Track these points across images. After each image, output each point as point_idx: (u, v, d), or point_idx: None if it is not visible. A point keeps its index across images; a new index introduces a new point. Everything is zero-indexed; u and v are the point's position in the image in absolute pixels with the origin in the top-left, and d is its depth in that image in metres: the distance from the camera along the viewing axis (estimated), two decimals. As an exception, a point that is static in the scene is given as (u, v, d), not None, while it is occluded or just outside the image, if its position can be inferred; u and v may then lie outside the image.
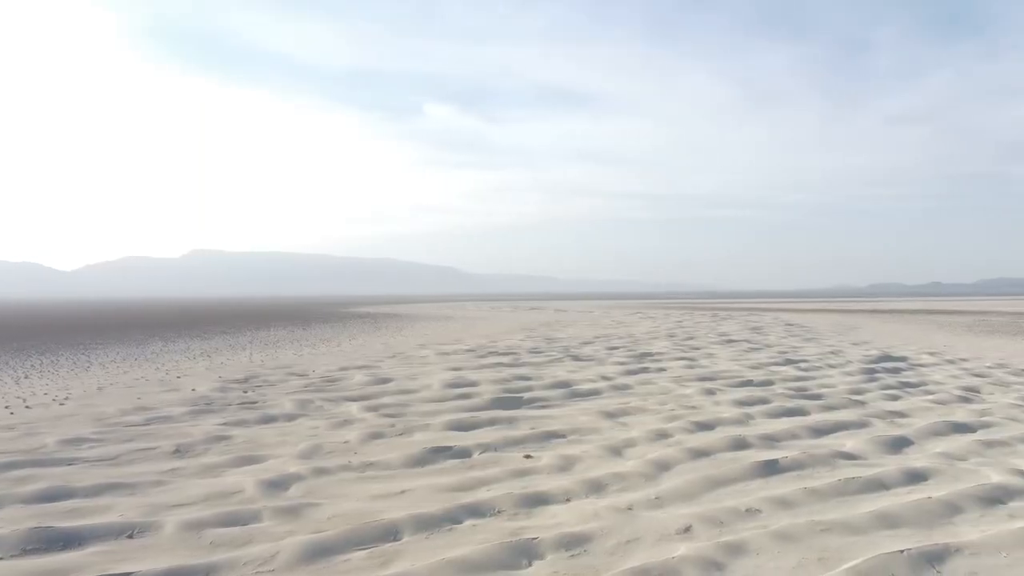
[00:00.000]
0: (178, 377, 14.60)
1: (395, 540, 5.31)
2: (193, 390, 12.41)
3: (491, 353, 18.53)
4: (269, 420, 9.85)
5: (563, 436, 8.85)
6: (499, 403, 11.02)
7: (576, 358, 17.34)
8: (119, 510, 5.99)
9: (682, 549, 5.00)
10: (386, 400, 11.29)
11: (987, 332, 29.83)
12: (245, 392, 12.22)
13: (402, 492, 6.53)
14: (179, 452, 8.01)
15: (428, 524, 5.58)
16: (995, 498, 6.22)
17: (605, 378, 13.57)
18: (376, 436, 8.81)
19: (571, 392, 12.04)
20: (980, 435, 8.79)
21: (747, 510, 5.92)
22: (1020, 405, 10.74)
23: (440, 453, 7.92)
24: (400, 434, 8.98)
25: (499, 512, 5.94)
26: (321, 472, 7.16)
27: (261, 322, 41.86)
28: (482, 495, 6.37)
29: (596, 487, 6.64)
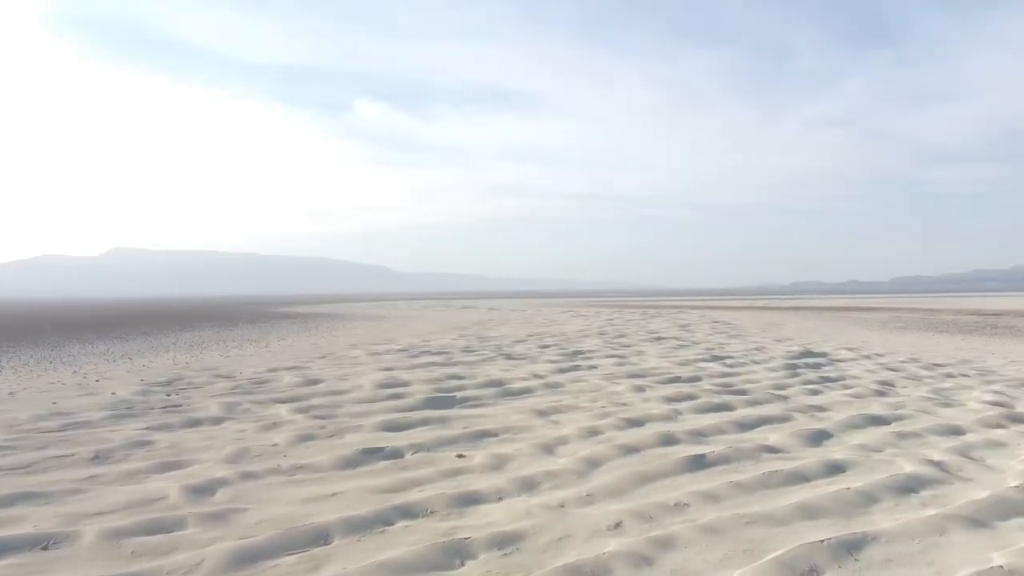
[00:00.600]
0: (97, 380, 14.05)
1: (325, 543, 5.23)
2: (113, 394, 11.97)
3: (423, 352, 18.43)
4: (194, 424, 9.58)
5: (496, 435, 8.87)
6: (431, 403, 10.97)
7: (509, 357, 17.40)
8: (33, 520, 5.73)
9: (613, 545, 5.07)
10: (316, 401, 11.11)
11: (901, 328, 31.15)
12: (168, 395, 11.85)
13: (333, 495, 6.44)
14: (98, 458, 7.71)
15: (359, 526, 5.51)
16: (908, 487, 6.50)
17: (537, 376, 13.65)
18: (306, 438, 8.66)
19: (504, 391, 12.08)
20: (894, 427, 9.17)
21: (676, 504, 6.04)
22: (931, 398, 11.25)
23: (372, 454, 7.84)
24: (331, 436, 8.85)
25: (431, 512, 5.91)
26: (248, 476, 6.99)
27: (185, 323, 40.65)
28: (414, 496, 6.33)
29: (528, 485, 6.67)
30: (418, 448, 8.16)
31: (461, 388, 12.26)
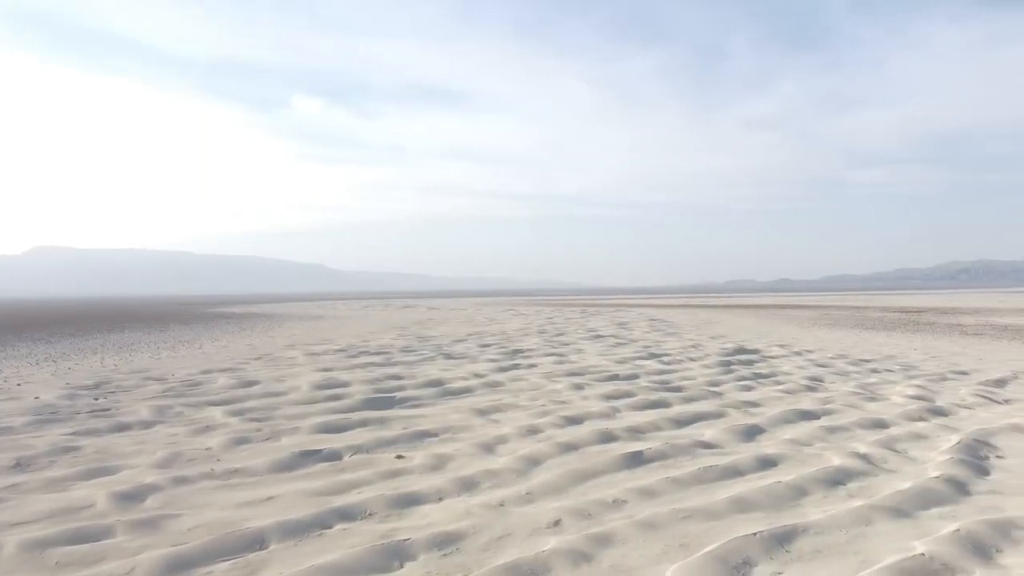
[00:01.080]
0: (19, 384, 13.49)
1: (261, 549, 5.13)
2: (36, 398, 11.51)
3: (362, 353, 18.24)
4: (123, 428, 9.29)
5: (435, 435, 8.84)
6: (371, 403, 10.87)
7: (449, 356, 17.36)
8: (-51, 532, 5.48)
9: (552, 543, 5.11)
10: (252, 404, 10.89)
11: (829, 325, 32.15)
12: (96, 399, 11.45)
13: (269, 499, 6.32)
14: (20, 466, 7.41)
15: (296, 530, 5.43)
16: (836, 480, 6.72)
17: (477, 376, 13.66)
18: (241, 441, 8.48)
19: (444, 390, 12.04)
20: (823, 422, 9.46)
21: (614, 501, 6.12)
22: (858, 393, 11.64)
23: (309, 457, 7.73)
24: (267, 439, 8.69)
25: (370, 514, 5.86)
26: (181, 481, 6.81)
27: (114, 324, 39.35)
28: (353, 498, 6.27)
29: (468, 485, 6.67)
30: (357, 449, 8.07)
31: (401, 388, 12.18)
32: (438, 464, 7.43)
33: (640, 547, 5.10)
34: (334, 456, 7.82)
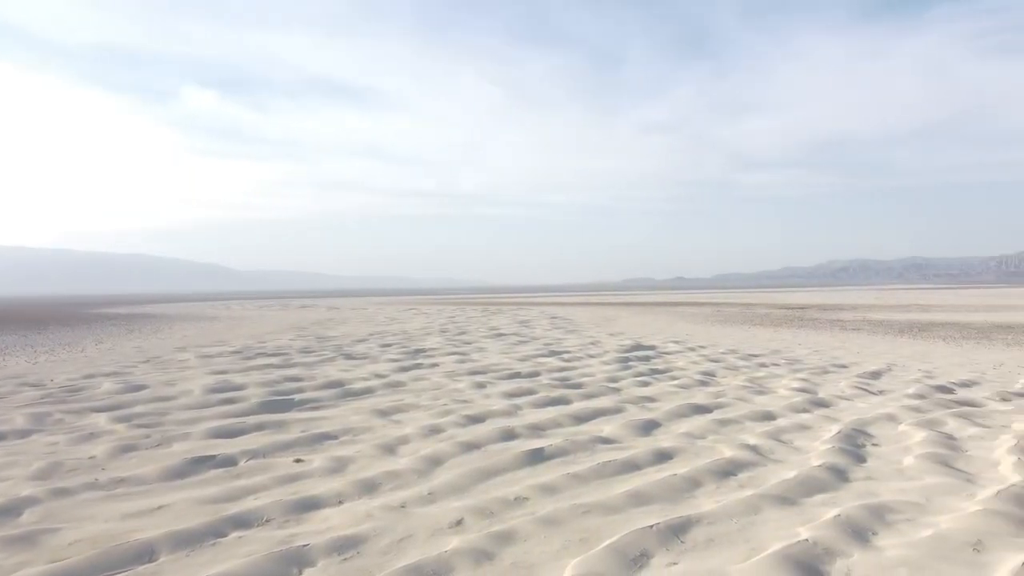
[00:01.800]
0: None
1: (150, 561, 4.91)
2: None
3: (259, 354, 17.72)
4: (-4, 438, 8.70)
5: (335, 437, 8.68)
6: (268, 406, 10.57)
7: (349, 357, 17.08)
8: None
9: (454, 542, 5.11)
10: (140, 409, 10.39)
11: (721, 322, 33.42)
12: (-35, 408, 10.68)
13: (159, 508, 6.06)
14: None
15: (188, 540, 5.22)
16: (728, 471, 7.00)
17: (379, 376, 13.50)
18: (128, 449, 8.09)
19: (344, 392, 11.84)
20: (716, 415, 9.83)
21: (515, 498, 6.17)
22: (747, 386, 12.15)
23: (202, 463, 7.45)
24: (156, 445, 8.32)
25: (267, 521, 5.71)
26: (61, 493, 6.44)
27: (-15, 326, 36.78)
28: (249, 504, 6.08)
29: (369, 487, 6.59)
30: (253, 454, 7.84)
31: (299, 390, 11.90)
32: (338, 467, 7.30)
33: (541, 543, 5.17)
34: (229, 462, 7.56)
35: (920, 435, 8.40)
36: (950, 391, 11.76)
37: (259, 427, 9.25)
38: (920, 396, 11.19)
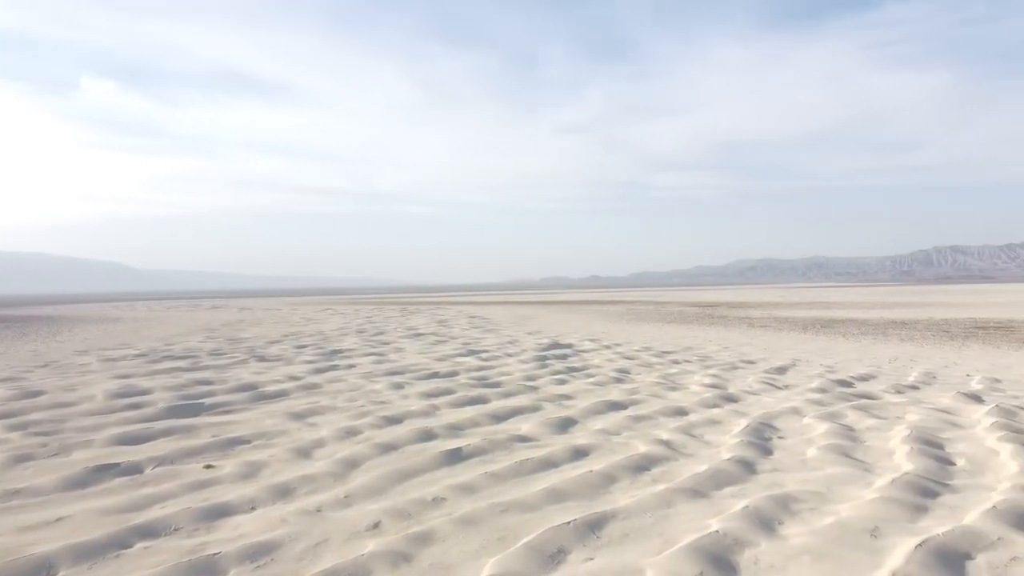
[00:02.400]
0: None
1: (49, 575, 4.68)
2: None
3: (166, 357, 17.07)
4: None
5: (248, 442, 8.45)
6: (176, 411, 10.20)
7: (262, 359, 16.66)
8: None
9: (371, 545, 5.06)
10: (36, 416, 9.86)
11: (636, 320, 34.13)
12: None
13: (58, 520, 5.77)
14: None
15: (90, 553, 4.99)
16: (642, 466, 7.16)
17: (293, 378, 13.21)
18: (23, 459, 7.67)
19: (257, 395, 11.54)
20: (630, 411, 10.03)
21: (433, 499, 6.15)
22: (661, 383, 12.45)
23: (105, 472, 7.13)
24: (55, 454, 7.92)
25: (176, 530, 5.51)
26: (-51, 507, 6.06)
27: None
28: (156, 513, 5.86)
29: (283, 492, 6.45)
30: (160, 461, 7.55)
31: (210, 394, 11.53)
32: (250, 472, 7.11)
33: (459, 543, 5.17)
34: (134, 469, 7.26)
35: (822, 427, 8.78)
36: (850, 385, 12.34)
37: (167, 433, 8.92)
38: (822, 390, 11.70)
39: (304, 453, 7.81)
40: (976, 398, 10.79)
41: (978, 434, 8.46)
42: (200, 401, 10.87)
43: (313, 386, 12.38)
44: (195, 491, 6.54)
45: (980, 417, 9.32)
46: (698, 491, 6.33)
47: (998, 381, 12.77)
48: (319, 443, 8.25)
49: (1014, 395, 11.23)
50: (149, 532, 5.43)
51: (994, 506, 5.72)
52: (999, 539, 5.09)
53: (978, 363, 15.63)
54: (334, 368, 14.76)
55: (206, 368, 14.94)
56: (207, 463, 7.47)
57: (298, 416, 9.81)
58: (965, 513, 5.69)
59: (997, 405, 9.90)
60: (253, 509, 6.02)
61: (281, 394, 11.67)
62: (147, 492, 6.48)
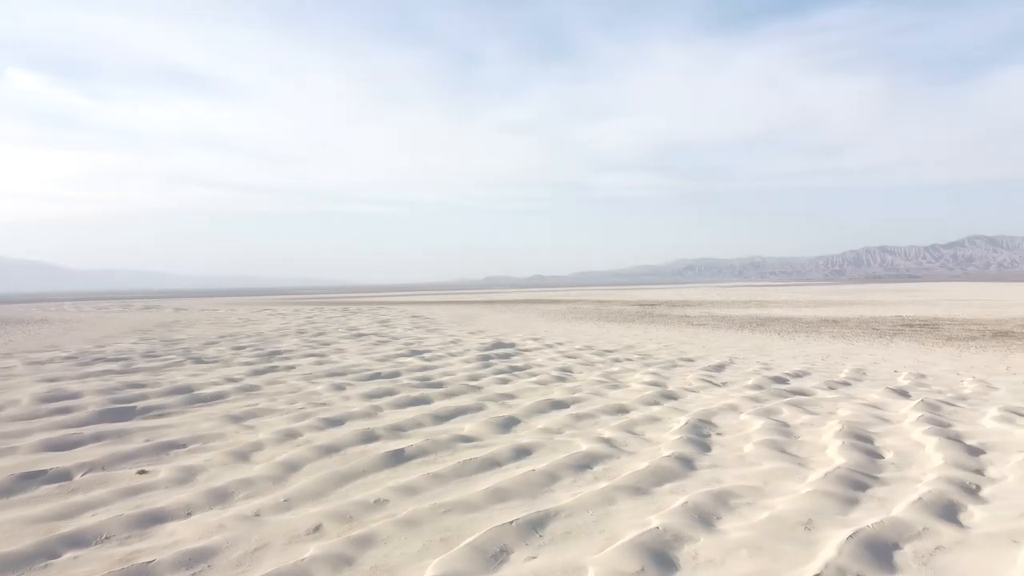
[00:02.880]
0: None
1: (-30, 589, 4.48)
2: None
3: (97, 360, 16.51)
4: None
5: (183, 446, 8.24)
6: (107, 415, 9.88)
7: (198, 360, 16.26)
8: None
9: (312, 549, 4.98)
10: (-44, 422, 9.45)
11: (578, 319, 34.41)
12: None
13: (-20, 531, 5.53)
14: None
15: (15, 563, 4.80)
16: (584, 464, 7.22)
17: (231, 380, 12.93)
18: (-58, 467, 7.33)
19: (193, 397, 11.25)
20: (572, 410, 10.11)
21: (375, 501, 6.09)
22: (602, 381, 12.58)
23: (31, 479, 6.86)
24: (-24, 462, 7.58)
25: (107, 538, 5.34)
26: None
27: None
28: (86, 521, 5.66)
29: (220, 497, 6.31)
30: (90, 467, 7.30)
31: (143, 397, 11.20)
32: (186, 477, 6.94)
33: (402, 545, 5.13)
34: (63, 476, 7.01)
35: (759, 423, 8.99)
36: (785, 382, 12.67)
37: (97, 438, 8.63)
38: (758, 387, 11.98)
39: (242, 456, 7.66)
40: (903, 393, 11.19)
41: (905, 428, 8.78)
42: (133, 404, 10.55)
43: (251, 388, 12.14)
44: (128, 497, 6.35)
45: (907, 412, 9.67)
46: (639, 488, 6.41)
47: (923, 377, 13.26)
48: (257, 446, 8.10)
49: (938, 390, 11.69)
50: (79, 541, 5.25)
51: (920, 497, 5.95)
52: (925, 529, 5.30)
53: (905, 359, 16.21)
54: (273, 370, 14.50)
55: (139, 370, 14.51)
56: (140, 468, 7.26)
57: (236, 419, 9.60)
58: (893, 505, 5.90)
59: (923, 400, 10.30)
60: (189, 515, 5.87)
61: (218, 396, 11.41)
62: (77, 500, 6.26)
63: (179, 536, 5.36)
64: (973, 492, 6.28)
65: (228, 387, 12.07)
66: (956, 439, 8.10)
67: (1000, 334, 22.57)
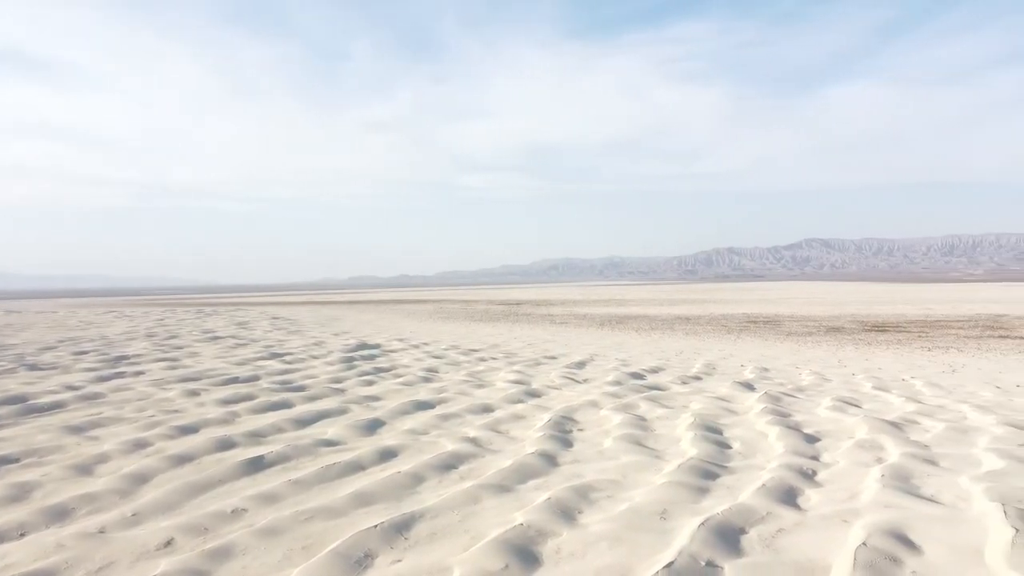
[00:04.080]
0: None
1: None
2: None
3: (-88, 368, 14.92)
4: None
5: (16, 460, 7.59)
6: (-76, 430, 8.96)
7: (33, 367, 15.02)
8: None
9: (163, 565, 4.73)
10: None
11: (444, 318, 34.43)
12: None
13: None
14: None
15: None
16: (450, 464, 7.24)
17: (71, 388, 12.03)
18: None
19: (27, 408, 10.38)
20: (438, 410, 10.11)
21: (233, 511, 5.85)
22: (468, 380, 12.65)
23: None
24: None
25: (-75, 566, 4.85)
26: None
27: None
28: (-101, 549, 5.12)
29: (60, 514, 5.86)
30: (-96, 488, 6.60)
31: (-33, 409, 10.23)
32: (19, 494, 6.40)
33: (261, 555, 4.96)
34: None
35: (618, 418, 9.33)
36: (642, 377, 13.20)
37: (-87, 455, 7.80)
38: (618, 383, 12.42)
39: (84, 470, 7.15)
40: (749, 386, 11.93)
41: (750, 419, 9.37)
42: (-44, 417, 9.61)
43: (95, 396, 11.34)
44: (-50, 520, 5.78)
45: (752, 404, 10.32)
46: (504, 486, 6.50)
47: (767, 370, 14.20)
48: (102, 458, 7.58)
49: (780, 383, 12.55)
50: None
51: (764, 484, 6.37)
52: (768, 513, 5.67)
53: (751, 354, 17.29)
54: (120, 376, 13.61)
55: (-37, 380, 13.24)
56: (-35, 487, 6.63)
57: (77, 429, 8.95)
58: (740, 492, 6.28)
59: (766, 392, 11.02)
60: (23, 535, 5.42)
61: (56, 406, 10.59)
62: None
63: (12, 559, 4.94)
64: (810, 477, 6.78)
65: (68, 395, 11.22)
66: (795, 428, 8.73)
67: (833, 330, 24.49)
